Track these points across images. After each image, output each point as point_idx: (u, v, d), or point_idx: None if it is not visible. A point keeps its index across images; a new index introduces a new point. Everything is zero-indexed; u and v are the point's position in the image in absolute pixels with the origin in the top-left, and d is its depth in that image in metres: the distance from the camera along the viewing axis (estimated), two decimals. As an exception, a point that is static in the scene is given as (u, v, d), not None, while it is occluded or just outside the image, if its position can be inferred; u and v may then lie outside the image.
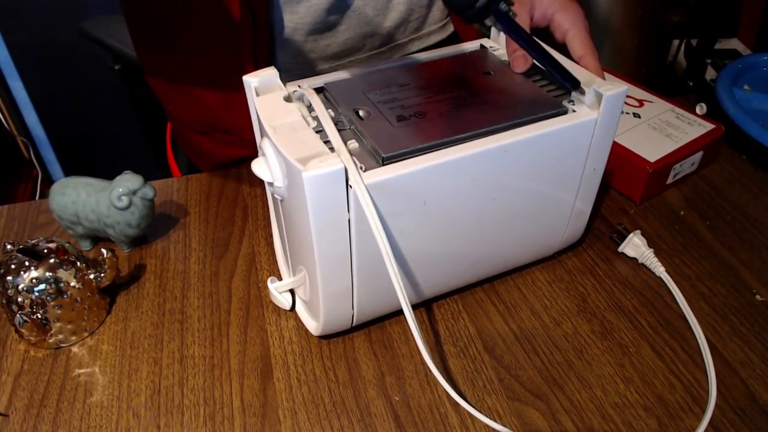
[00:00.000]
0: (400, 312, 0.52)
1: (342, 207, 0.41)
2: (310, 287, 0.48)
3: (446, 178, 0.44)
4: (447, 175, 0.44)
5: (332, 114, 0.47)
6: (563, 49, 0.54)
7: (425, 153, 0.43)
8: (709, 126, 0.69)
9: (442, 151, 0.44)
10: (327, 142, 0.43)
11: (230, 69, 0.63)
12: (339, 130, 0.45)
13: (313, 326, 0.51)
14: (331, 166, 0.39)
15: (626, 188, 0.66)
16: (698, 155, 0.68)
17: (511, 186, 0.48)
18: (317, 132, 0.44)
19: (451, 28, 0.79)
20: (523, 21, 0.54)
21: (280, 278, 0.57)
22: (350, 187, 0.41)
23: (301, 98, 0.48)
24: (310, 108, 0.47)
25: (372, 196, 0.41)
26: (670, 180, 0.67)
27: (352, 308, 0.49)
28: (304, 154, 0.41)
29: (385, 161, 0.42)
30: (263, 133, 0.46)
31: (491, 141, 0.45)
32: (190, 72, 0.70)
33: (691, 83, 0.88)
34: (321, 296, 0.46)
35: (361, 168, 0.42)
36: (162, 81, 0.74)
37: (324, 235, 0.42)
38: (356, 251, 0.44)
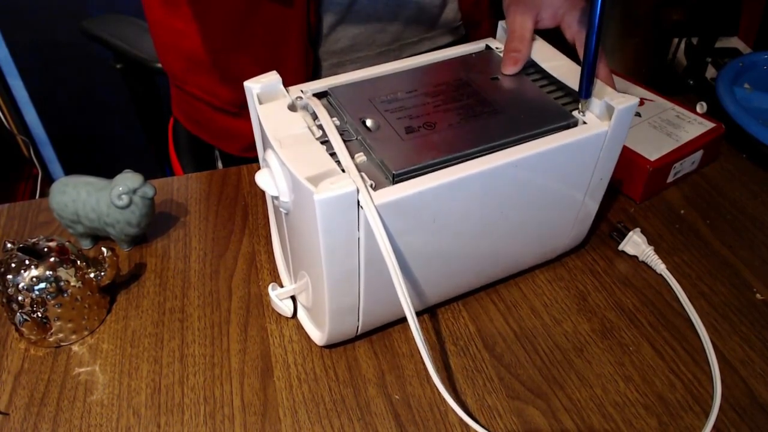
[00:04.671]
0: (404, 319, 0.52)
1: (352, 226, 0.41)
2: (315, 299, 0.48)
3: (457, 194, 0.44)
4: (458, 191, 0.44)
5: (337, 123, 0.46)
6: (572, 53, 0.54)
7: (435, 169, 0.43)
8: (710, 125, 0.69)
9: (453, 167, 0.43)
10: (333, 154, 0.43)
11: (277, 47, 0.64)
12: (345, 141, 0.44)
13: (317, 336, 0.51)
14: (343, 188, 0.39)
15: (626, 187, 0.66)
16: (698, 154, 0.68)
17: (519, 198, 0.48)
18: (323, 143, 0.44)
19: (462, 31, 0.79)
20: (525, 23, 0.54)
21: (280, 282, 0.56)
22: (361, 207, 0.40)
23: (305, 106, 0.48)
24: (314, 116, 0.46)
25: (382, 215, 0.41)
26: (670, 179, 0.67)
27: (358, 320, 0.49)
28: (314, 173, 0.40)
29: (395, 178, 0.42)
30: (267, 145, 0.45)
31: (502, 156, 0.44)
32: (239, 46, 0.69)
33: (691, 82, 0.87)
34: (327, 311, 0.46)
35: (371, 185, 0.41)
36: (199, 63, 0.73)
37: (333, 253, 0.42)
38: (365, 268, 0.44)
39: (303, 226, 0.43)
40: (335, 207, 0.39)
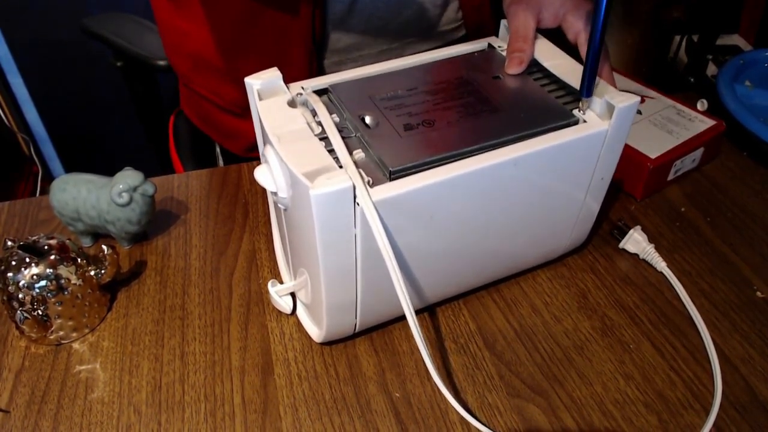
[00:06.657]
0: (403, 317, 0.52)
1: (349, 223, 0.41)
2: (313, 296, 0.48)
3: (454, 192, 0.44)
4: (455, 189, 0.43)
5: (337, 120, 0.46)
6: (572, 52, 0.54)
7: (433, 166, 0.43)
8: (710, 122, 0.69)
9: (451, 165, 0.43)
10: (332, 151, 0.43)
11: (282, 50, 0.64)
12: (344, 138, 0.44)
13: (315, 333, 0.51)
14: (339, 184, 0.39)
15: (627, 185, 0.66)
16: (699, 151, 0.68)
17: (518, 197, 0.48)
18: (321, 139, 0.44)
19: (463, 31, 0.79)
20: (527, 22, 0.53)
21: (280, 279, 0.56)
22: (357, 204, 0.40)
23: (305, 103, 0.47)
24: (314, 112, 0.46)
25: (379, 211, 0.41)
26: (671, 176, 0.67)
27: (356, 317, 0.49)
28: (311, 168, 0.40)
29: (392, 175, 0.42)
30: (266, 140, 0.45)
31: (501, 154, 0.44)
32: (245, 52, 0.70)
33: (692, 79, 0.87)
34: (324, 307, 0.46)
35: (368, 182, 0.41)
36: (204, 63, 0.73)
37: (330, 250, 0.42)
38: (362, 264, 0.44)
39: (300, 222, 0.43)
40: (331, 202, 0.39)
